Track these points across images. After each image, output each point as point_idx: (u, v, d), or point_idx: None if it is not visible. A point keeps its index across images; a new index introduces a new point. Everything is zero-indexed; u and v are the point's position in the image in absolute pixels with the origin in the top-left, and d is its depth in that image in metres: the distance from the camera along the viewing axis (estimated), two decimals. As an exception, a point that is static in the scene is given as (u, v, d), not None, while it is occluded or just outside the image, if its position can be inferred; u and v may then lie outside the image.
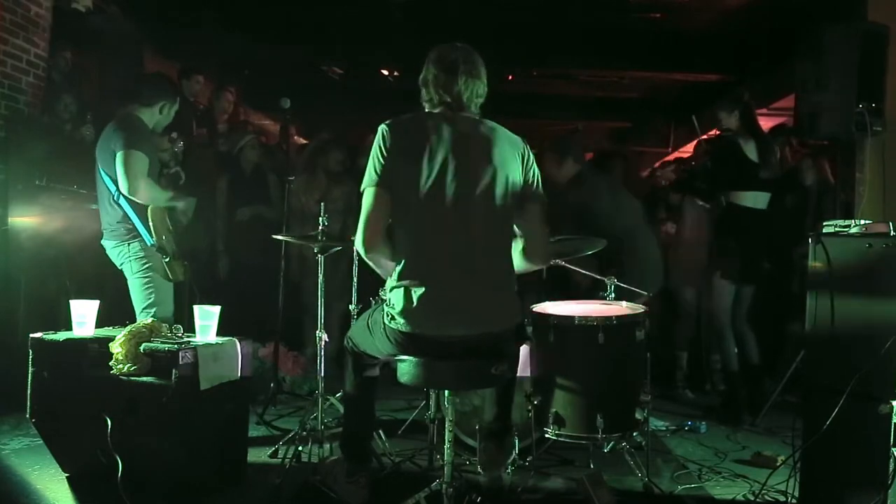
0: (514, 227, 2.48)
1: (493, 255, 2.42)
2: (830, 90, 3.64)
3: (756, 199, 4.23)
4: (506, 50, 7.34)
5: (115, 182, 3.42)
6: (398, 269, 2.38)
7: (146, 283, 3.49)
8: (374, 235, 2.38)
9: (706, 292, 4.55)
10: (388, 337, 2.43)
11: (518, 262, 2.52)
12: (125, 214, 3.46)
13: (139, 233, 3.47)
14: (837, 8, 4.72)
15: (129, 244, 3.49)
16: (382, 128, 2.41)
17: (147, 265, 3.49)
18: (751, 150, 4.21)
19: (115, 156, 3.40)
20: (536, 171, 2.50)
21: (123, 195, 3.42)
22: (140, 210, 3.46)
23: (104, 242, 3.57)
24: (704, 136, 5.82)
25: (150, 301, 3.49)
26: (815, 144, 5.02)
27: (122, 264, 3.55)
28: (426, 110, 2.52)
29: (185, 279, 3.62)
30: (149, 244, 3.47)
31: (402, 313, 2.35)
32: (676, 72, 8.10)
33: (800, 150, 5.27)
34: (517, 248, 2.51)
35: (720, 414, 4.26)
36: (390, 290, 2.41)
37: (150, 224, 3.47)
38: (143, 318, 3.31)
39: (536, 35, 7.18)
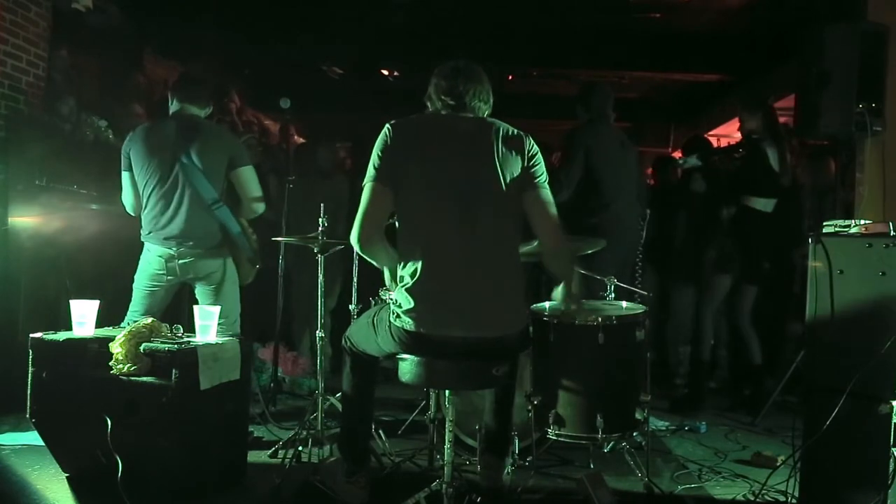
0: (529, 222, 2.50)
1: (499, 255, 2.41)
2: (830, 90, 3.64)
3: (767, 204, 4.35)
4: (506, 50, 7.35)
5: (218, 190, 3.38)
6: (404, 268, 2.38)
7: (237, 291, 3.52)
8: (370, 231, 2.38)
9: (704, 287, 4.62)
10: (392, 335, 2.43)
11: (544, 258, 2.54)
12: (222, 222, 3.39)
13: (234, 240, 3.44)
14: (837, 8, 4.72)
15: (226, 251, 3.45)
16: (387, 127, 2.42)
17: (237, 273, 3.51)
18: (773, 158, 4.32)
19: (237, 166, 3.43)
20: (541, 162, 2.49)
21: (223, 203, 3.39)
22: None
23: (197, 251, 3.37)
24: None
25: (239, 309, 3.52)
26: (815, 144, 5.03)
27: (212, 272, 3.42)
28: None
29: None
30: (251, 254, 3.48)
31: (408, 312, 2.36)
32: (676, 72, 8.11)
33: (801, 150, 5.28)
34: (540, 244, 2.53)
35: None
36: (397, 289, 2.42)
37: (245, 231, 3.48)
38: (234, 328, 3.41)
39: (536, 35, 7.18)
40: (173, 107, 3.52)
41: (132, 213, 3.53)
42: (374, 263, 2.51)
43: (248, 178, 3.48)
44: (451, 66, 2.52)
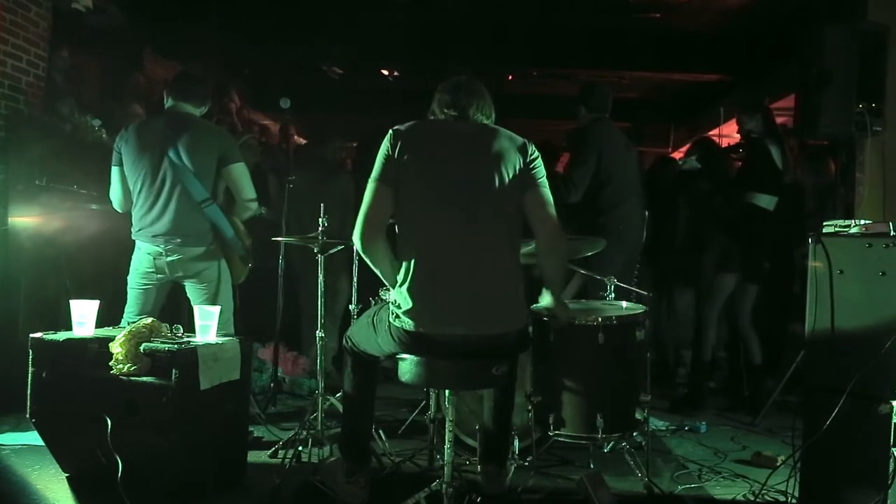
0: (528, 220, 2.51)
1: (498, 255, 2.42)
2: (830, 90, 3.64)
3: (770, 202, 4.35)
4: (506, 50, 7.36)
5: (208, 188, 3.35)
6: (404, 269, 2.39)
7: (230, 289, 3.50)
8: (372, 231, 2.39)
9: (706, 287, 4.61)
10: (392, 335, 2.44)
11: (540, 256, 2.54)
12: (213, 221, 3.37)
13: (225, 238, 3.43)
14: (837, 8, 4.72)
15: (217, 249, 3.44)
16: (390, 132, 2.45)
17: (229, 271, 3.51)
18: (776, 155, 4.32)
19: (228, 163, 3.40)
20: (542, 165, 2.51)
21: (216, 203, 3.37)
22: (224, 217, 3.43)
23: (186, 249, 3.35)
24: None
25: (232, 307, 3.50)
26: (815, 144, 5.04)
27: (202, 270, 3.40)
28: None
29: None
30: (243, 253, 3.48)
31: (407, 313, 2.37)
32: (676, 72, 8.11)
33: (801, 150, 5.28)
34: (537, 242, 2.53)
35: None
36: (396, 290, 2.42)
37: (237, 230, 3.46)
38: (227, 326, 3.39)
39: (536, 35, 7.19)
40: (167, 104, 3.51)
41: (119, 209, 3.51)
42: (374, 268, 2.50)
43: (240, 176, 3.43)
44: (453, 81, 2.54)
